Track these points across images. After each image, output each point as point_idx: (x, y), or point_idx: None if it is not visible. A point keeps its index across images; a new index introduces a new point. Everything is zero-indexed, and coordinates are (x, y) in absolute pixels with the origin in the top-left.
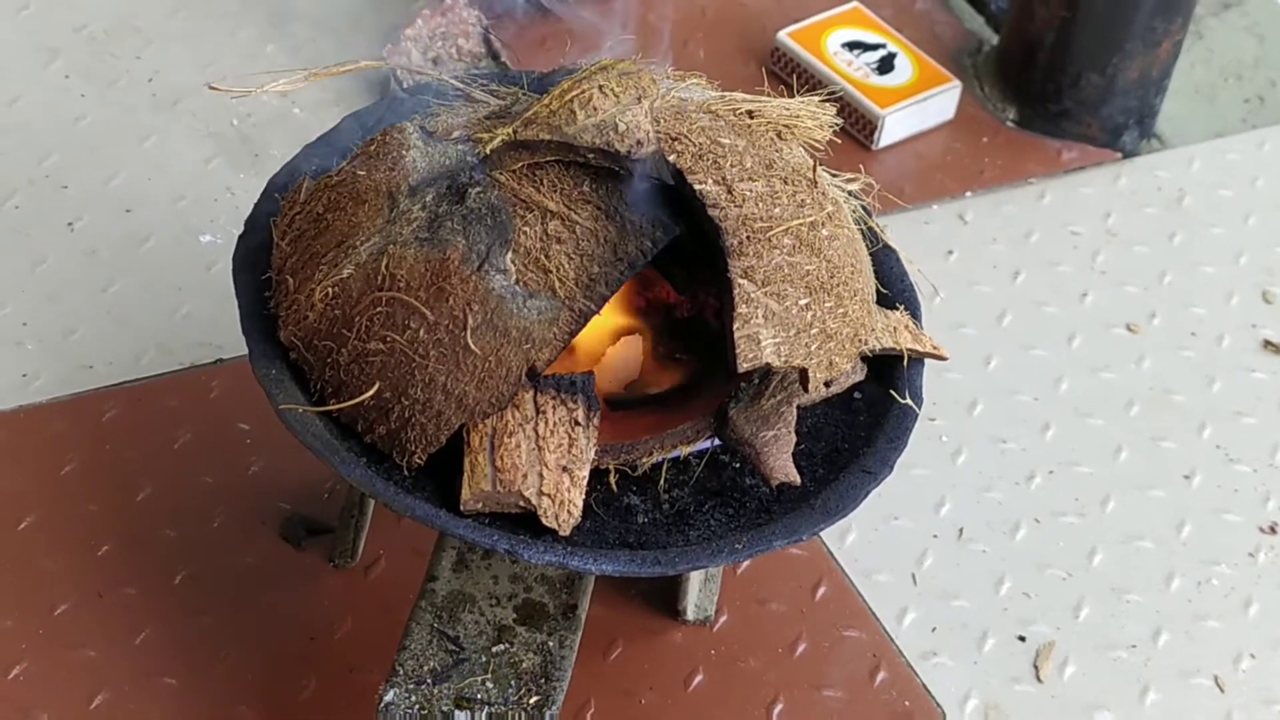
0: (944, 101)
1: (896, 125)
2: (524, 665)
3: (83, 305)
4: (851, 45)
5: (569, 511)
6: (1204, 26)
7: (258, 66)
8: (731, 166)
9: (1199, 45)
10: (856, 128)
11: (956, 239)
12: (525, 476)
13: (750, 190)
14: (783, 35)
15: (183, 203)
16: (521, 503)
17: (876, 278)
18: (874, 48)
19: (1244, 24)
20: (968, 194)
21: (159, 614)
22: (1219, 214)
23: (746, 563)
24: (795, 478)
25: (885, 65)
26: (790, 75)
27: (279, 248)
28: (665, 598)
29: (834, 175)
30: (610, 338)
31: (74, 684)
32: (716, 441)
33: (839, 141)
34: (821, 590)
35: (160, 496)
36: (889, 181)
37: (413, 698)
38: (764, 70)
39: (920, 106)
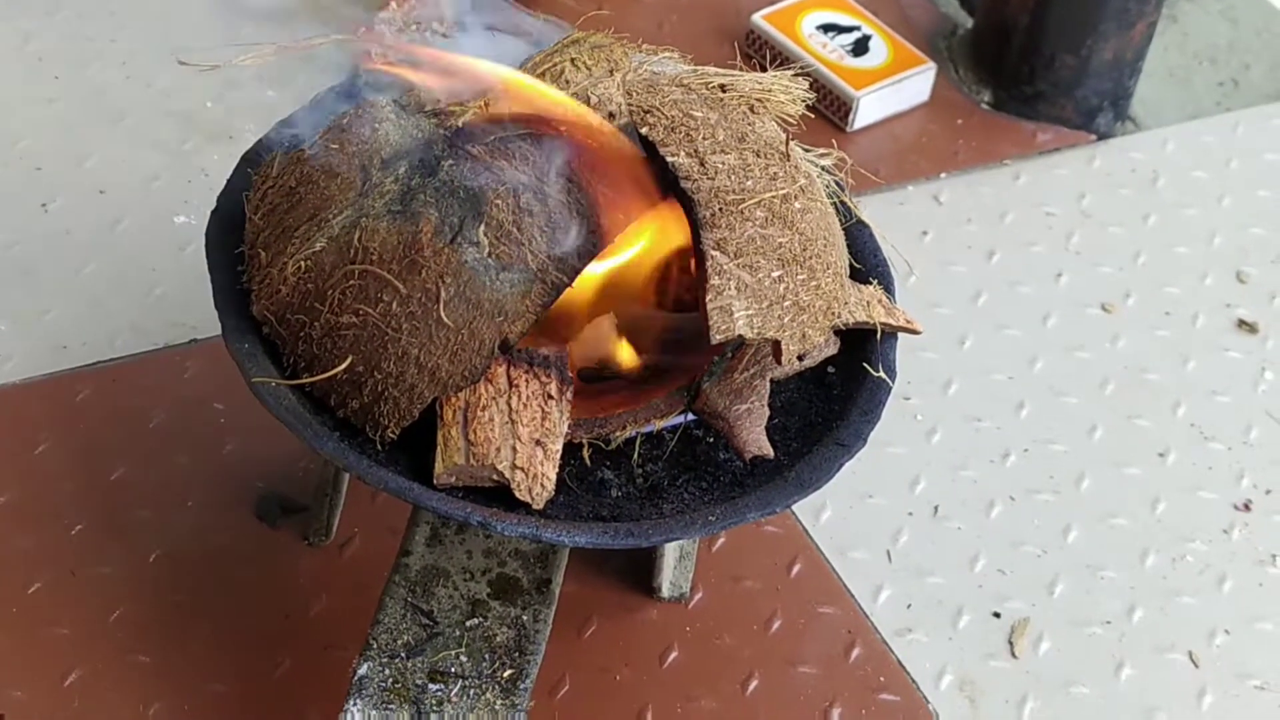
0: (919, 83)
1: (871, 107)
2: (498, 639)
3: (57, 286)
4: (826, 27)
5: (542, 485)
6: (1178, 9)
7: (229, 44)
8: (704, 139)
9: (1173, 28)
10: (831, 109)
11: (931, 220)
12: (498, 450)
13: (723, 163)
14: (757, 18)
15: (156, 184)
16: (495, 476)
17: (850, 252)
18: (849, 30)
19: (1218, 7)
20: (943, 175)
21: (133, 592)
22: (1193, 195)
23: (721, 540)
24: (768, 451)
25: (860, 47)
26: (765, 57)
27: (252, 222)
28: (640, 575)
29: (807, 150)
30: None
31: (48, 662)
32: (690, 416)
33: (813, 119)
34: (796, 568)
35: (134, 476)
36: (864, 163)
37: (386, 671)
38: (739, 52)
39: (895, 88)
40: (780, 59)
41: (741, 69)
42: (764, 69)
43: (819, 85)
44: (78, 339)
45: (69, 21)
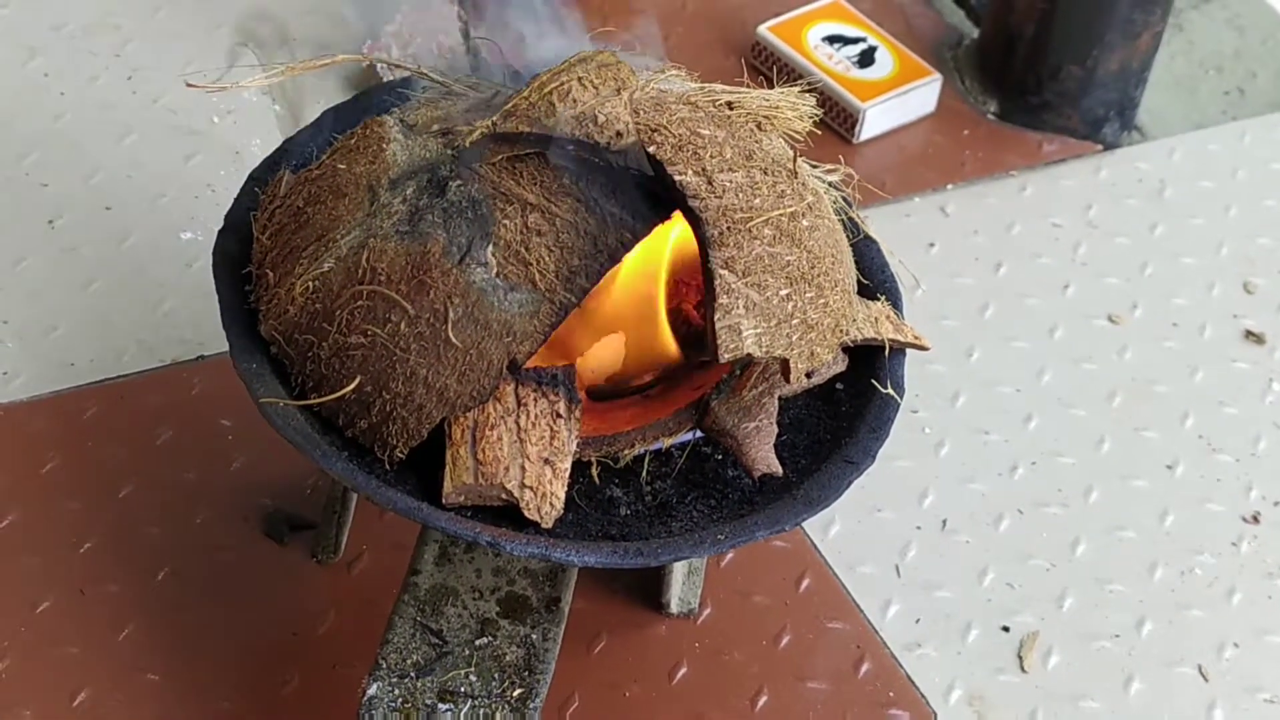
0: (925, 95)
1: (877, 118)
2: (507, 658)
3: (63, 303)
4: (832, 39)
5: (551, 504)
6: (1184, 19)
7: (237, 64)
8: (711, 157)
9: (1179, 37)
10: (837, 121)
11: (938, 231)
12: (507, 469)
13: (730, 181)
14: (763, 29)
15: (163, 200)
16: (504, 495)
17: (857, 268)
18: (854, 41)
19: (1224, 16)
20: (949, 186)
21: (141, 611)
22: (1200, 205)
23: (730, 555)
24: (777, 468)
25: (866, 59)
26: (771, 69)
27: (259, 242)
28: (649, 591)
29: (814, 166)
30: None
31: (56, 681)
32: (698, 433)
33: (819, 133)
34: (805, 582)
35: (142, 494)
36: (870, 174)
37: (396, 691)
38: (744, 64)
39: (901, 100)
40: (786, 71)
41: (747, 82)
42: (770, 81)
43: (825, 97)
44: (85, 356)
45: (75, 37)
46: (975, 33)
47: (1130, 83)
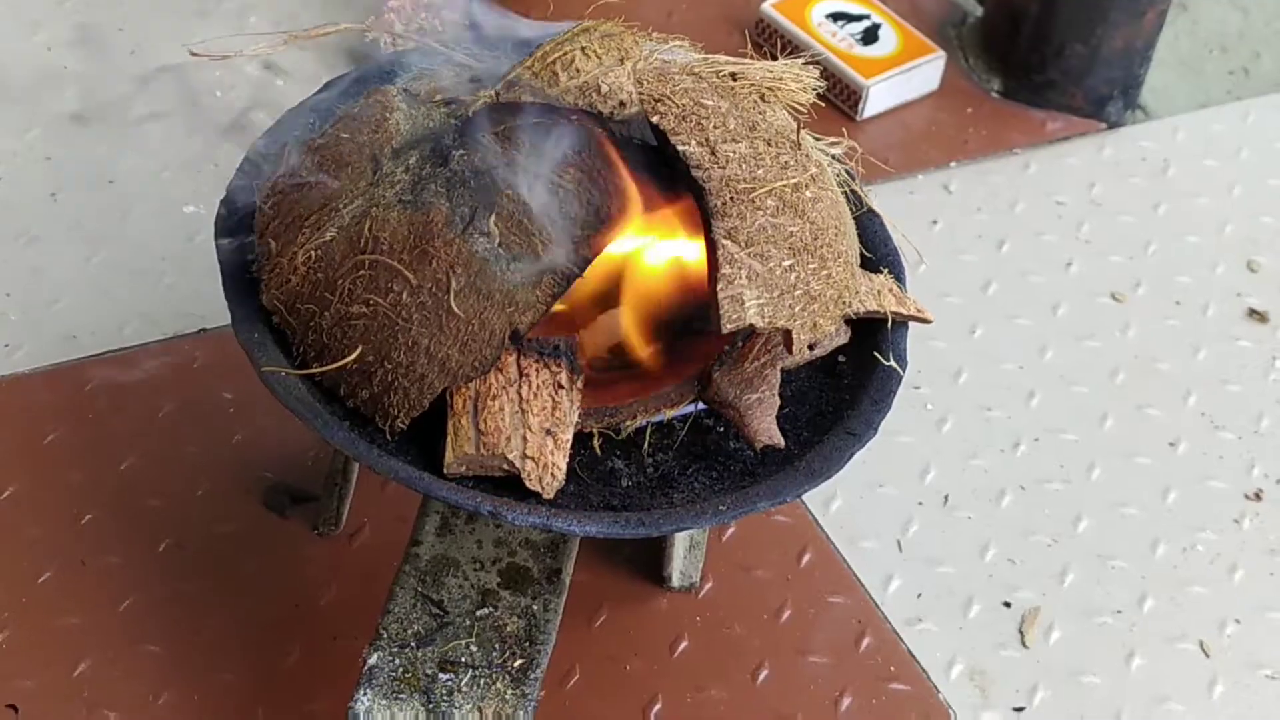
0: (928, 72)
1: (881, 96)
2: (508, 629)
3: (66, 276)
4: (836, 16)
5: (552, 474)
6: None
7: (240, 34)
8: (715, 128)
9: (1184, 16)
10: (841, 98)
11: (941, 209)
12: (509, 439)
13: (733, 152)
14: (767, 6)
15: (165, 174)
16: (505, 465)
17: (860, 241)
18: (858, 18)
19: None
20: (952, 164)
21: (142, 582)
22: (1204, 184)
23: (731, 530)
24: (779, 440)
25: (869, 36)
26: (775, 46)
27: (262, 212)
28: (650, 565)
29: (817, 139)
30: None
31: (57, 652)
32: (700, 405)
33: (822, 107)
34: (807, 557)
35: (143, 466)
36: (874, 152)
37: (396, 661)
38: (749, 41)
39: (905, 77)
40: (790, 48)
41: (752, 58)
42: (774, 58)
43: (829, 74)
44: (87, 329)
45: (77, 11)
46: (979, 10)
47: (1135, 61)
